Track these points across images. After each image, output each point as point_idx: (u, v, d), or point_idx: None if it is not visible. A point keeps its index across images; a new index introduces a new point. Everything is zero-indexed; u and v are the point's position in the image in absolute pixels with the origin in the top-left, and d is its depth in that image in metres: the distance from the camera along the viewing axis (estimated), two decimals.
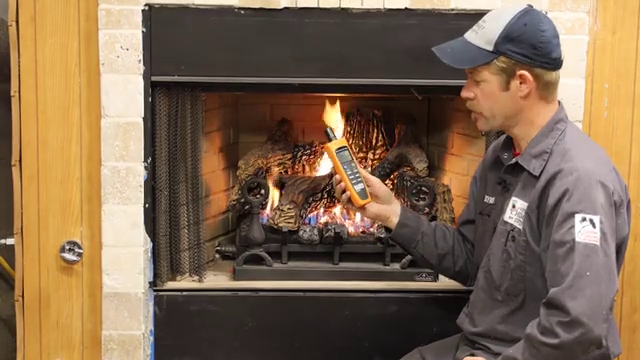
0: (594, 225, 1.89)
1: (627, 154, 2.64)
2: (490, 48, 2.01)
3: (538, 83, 2.03)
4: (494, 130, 2.16)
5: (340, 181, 2.23)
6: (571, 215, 1.89)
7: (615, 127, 2.63)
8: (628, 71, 2.61)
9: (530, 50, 2.00)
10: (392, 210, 2.29)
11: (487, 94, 2.05)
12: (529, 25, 2.01)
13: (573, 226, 1.89)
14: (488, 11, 2.11)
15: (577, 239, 1.87)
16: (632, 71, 2.61)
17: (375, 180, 2.29)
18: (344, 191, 2.23)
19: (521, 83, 2.02)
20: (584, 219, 1.89)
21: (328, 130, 2.28)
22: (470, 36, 2.07)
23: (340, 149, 2.23)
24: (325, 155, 2.98)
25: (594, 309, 1.84)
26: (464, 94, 2.11)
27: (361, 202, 2.23)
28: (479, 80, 2.05)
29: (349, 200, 2.24)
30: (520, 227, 2.03)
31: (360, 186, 2.23)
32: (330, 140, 2.25)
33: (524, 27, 2.00)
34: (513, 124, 2.08)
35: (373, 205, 2.26)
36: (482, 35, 2.03)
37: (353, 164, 2.23)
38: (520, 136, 2.10)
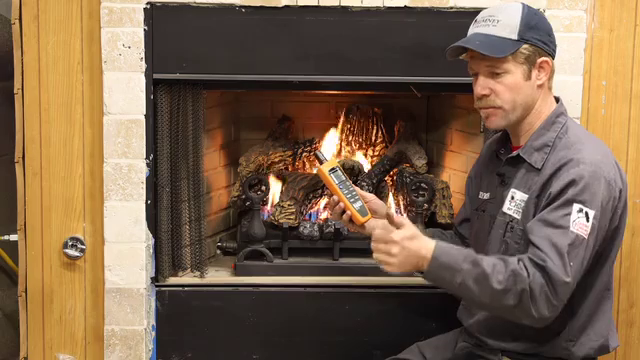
0: (588, 219, 1.91)
1: (624, 150, 2.66)
2: (515, 37, 2.01)
3: (550, 72, 2.06)
4: (509, 125, 2.10)
5: (338, 202, 2.20)
6: (570, 202, 1.92)
7: (612, 124, 2.65)
8: (625, 68, 2.63)
9: (547, 37, 2.04)
10: None
11: (509, 85, 2.03)
12: (539, 15, 2.05)
13: (570, 214, 1.91)
14: (486, 9, 2.12)
15: (571, 228, 1.90)
16: (629, 68, 2.62)
17: (370, 195, 2.29)
18: (343, 212, 2.21)
19: (540, 71, 2.04)
20: (581, 210, 1.91)
21: (317, 153, 2.27)
22: (488, 30, 2.04)
23: (332, 170, 2.20)
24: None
25: (564, 296, 1.91)
26: (481, 91, 2.06)
27: (362, 219, 2.20)
28: (501, 71, 2.03)
29: (350, 220, 2.21)
30: (519, 217, 2.05)
31: (359, 204, 2.20)
32: (321, 162, 2.22)
33: (537, 16, 2.04)
34: (526, 115, 2.08)
35: (373, 221, 2.22)
36: (502, 26, 2.02)
37: (348, 183, 2.21)
38: (524, 129, 2.10)
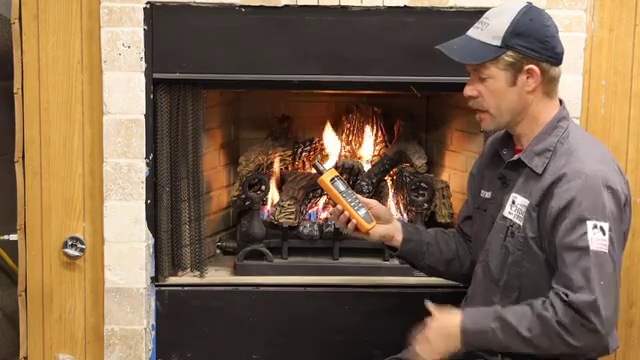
0: (604, 232, 1.91)
1: (624, 150, 2.66)
2: (498, 43, 2.01)
3: (544, 78, 2.04)
4: (500, 128, 2.14)
5: (342, 211, 2.21)
6: (583, 221, 1.91)
7: (612, 124, 2.65)
8: (625, 68, 2.62)
9: (537, 44, 2.01)
10: (395, 228, 2.28)
11: (493, 91, 2.05)
12: (535, 20, 2.03)
13: (586, 233, 1.90)
14: (486, 8, 2.12)
15: (591, 247, 1.89)
16: (629, 68, 2.62)
17: (373, 201, 2.28)
18: (349, 220, 2.21)
19: (528, 78, 2.03)
20: (595, 226, 1.90)
21: (316, 163, 2.27)
22: (475, 33, 2.07)
23: (333, 179, 2.20)
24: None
25: (609, 318, 1.89)
26: (468, 92, 2.09)
27: (368, 226, 2.20)
28: (485, 77, 2.04)
29: (356, 228, 2.22)
30: (520, 223, 2.04)
31: (363, 211, 2.20)
32: (321, 173, 2.22)
33: (530, 22, 2.02)
34: (519, 121, 2.08)
35: (378, 227, 2.23)
36: (488, 31, 2.03)
37: (350, 191, 2.21)
38: (523, 133, 2.10)
